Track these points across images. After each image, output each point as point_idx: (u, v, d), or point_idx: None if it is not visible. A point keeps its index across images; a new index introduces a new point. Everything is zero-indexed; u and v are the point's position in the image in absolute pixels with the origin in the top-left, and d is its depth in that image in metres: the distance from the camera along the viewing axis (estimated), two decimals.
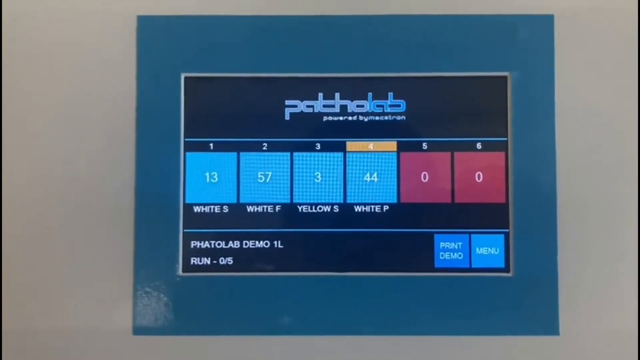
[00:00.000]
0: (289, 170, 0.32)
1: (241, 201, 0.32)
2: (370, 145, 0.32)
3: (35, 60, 0.32)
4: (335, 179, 0.32)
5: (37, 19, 0.32)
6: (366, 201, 0.32)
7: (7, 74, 0.32)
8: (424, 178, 0.32)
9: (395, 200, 0.32)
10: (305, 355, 0.31)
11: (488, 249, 0.32)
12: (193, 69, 0.32)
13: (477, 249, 0.32)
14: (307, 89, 0.32)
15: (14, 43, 0.32)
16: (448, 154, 0.32)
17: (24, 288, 0.32)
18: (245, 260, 0.32)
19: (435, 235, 0.32)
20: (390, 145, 0.32)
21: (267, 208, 0.32)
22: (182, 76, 0.32)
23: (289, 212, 0.32)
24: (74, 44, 0.32)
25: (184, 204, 0.32)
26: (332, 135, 0.32)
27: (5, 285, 0.32)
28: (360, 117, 0.32)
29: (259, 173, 0.32)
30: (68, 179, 0.32)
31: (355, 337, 0.31)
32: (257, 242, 0.32)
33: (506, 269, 0.32)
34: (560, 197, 0.31)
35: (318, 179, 0.32)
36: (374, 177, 0.32)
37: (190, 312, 0.31)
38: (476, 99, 0.32)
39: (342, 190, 0.32)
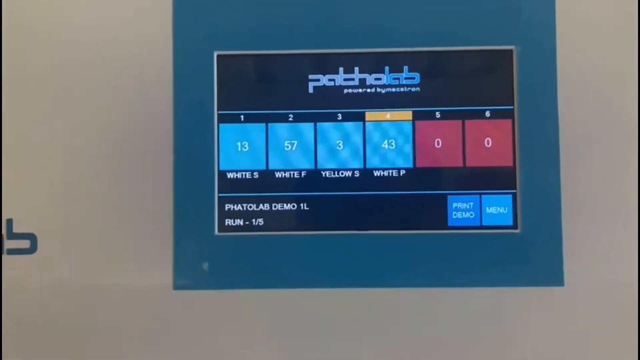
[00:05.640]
0: (313, 139, 0.35)
1: (270, 168, 0.35)
2: (388, 115, 0.35)
3: (78, 42, 0.35)
4: (355, 146, 0.35)
5: (81, 7, 0.36)
6: (384, 166, 0.35)
7: (57, 54, 0.35)
8: (438, 144, 0.35)
9: (411, 165, 0.35)
10: (330, 305, 0.34)
11: (497, 208, 0.35)
12: (225, 47, 0.35)
13: (487, 208, 0.35)
14: (328, 64, 0.35)
15: (61, 26, 0.35)
16: (459, 122, 0.35)
17: (75, 249, 0.35)
18: (274, 221, 0.35)
19: (449, 197, 0.35)
20: (406, 114, 0.35)
21: (293, 174, 0.35)
22: (215, 54, 0.35)
23: (314, 177, 0.35)
24: (113, 26, 0.35)
25: (219, 170, 0.35)
26: (352, 106, 0.35)
27: (60, 245, 0.35)
28: (378, 90, 0.35)
29: (286, 142, 0.35)
30: (112, 151, 0.35)
31: (376, 289, 0.34)
32: (285, 204, 0.35)
33: (514, 226, 0.34)
34: (563, 158, 0.34)
35: (340, 146, 0.35)
36: (392, 144, 0.35)
37: (226, 269, 0.34)
38: (484, 71, 0.35)
39: (362, 156, 0.35)
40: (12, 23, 0.35)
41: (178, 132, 0.35)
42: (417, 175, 0.35)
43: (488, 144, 0.35)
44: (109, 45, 0.35)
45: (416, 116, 0.35)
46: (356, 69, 0.35)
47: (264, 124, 0.35)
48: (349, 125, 0.35)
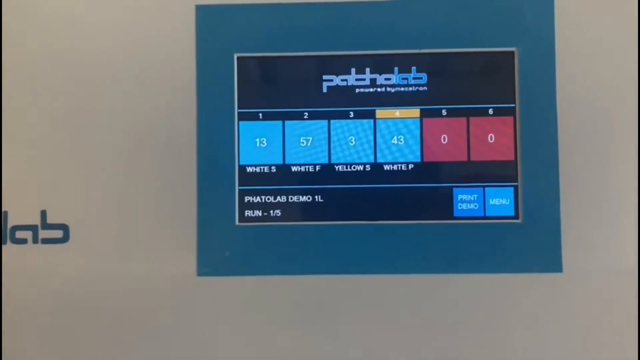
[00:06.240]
0: (326, 135, 0.37)
1: (287, 162, 0.37)
2: (397, 112, 0.37)
3: (105, 44, 0.38)
4: (366, 142, 0.37)
5: (110, 13, 0.38)
6: (394, 161, 0.37)
7: (87, 55, 0.38)
8: (444, 140, 0.37)
9: (419, 160, 0.37)
10: (341, 290, 0.37)
11: (500, 199, 0.37)
12: (244, 50, 0.37)
13: (491, 200, 0.37)
14: (341, 65, 0.37)
15: (87, 29, 0.38)
16: (464, 119, 0.37)
17: (105, 239, 0.37)
18: (291, 212, 0.37)
19: (454, 189, 0.37)
20: (414, 112, 0.37)
21: (308, 168, 0.37)
22: (235, 56, 0.37)
23: (328, 171, 0.37)
24: (140, 30, 0.38)
25: (239, 165, 0.37)
26: (363, 104, 0.37)
27: (91, 236, 0.37)
28: (388, 89, 0.37)
29: (302, 138, 0.37)
30: (140, 147, 0.37)
31: (386, 275, 0.36)
32: (300, 196, 0.37)
33: (516, 217, 0.37)
34: (561, 153, 0.36)
35: (352, 142, 0.37)
36: (401, 140, 0.37)
37: (246, 256, 0.37)
38: (488, 71, 0.37)
39: (372, 151, 0.37)
40: (43, 24, 0.38)
41: (201, 129, 0.37)
42: (425, 169, 0.37)
43: (491, 139, 0.37)
44: (138, 49, 0.38)
45: (424, 114, 0.37)
46: (367, 69, 0.37)
47: (281, 122, 0.37)
48: (360, 122, 0.37)
